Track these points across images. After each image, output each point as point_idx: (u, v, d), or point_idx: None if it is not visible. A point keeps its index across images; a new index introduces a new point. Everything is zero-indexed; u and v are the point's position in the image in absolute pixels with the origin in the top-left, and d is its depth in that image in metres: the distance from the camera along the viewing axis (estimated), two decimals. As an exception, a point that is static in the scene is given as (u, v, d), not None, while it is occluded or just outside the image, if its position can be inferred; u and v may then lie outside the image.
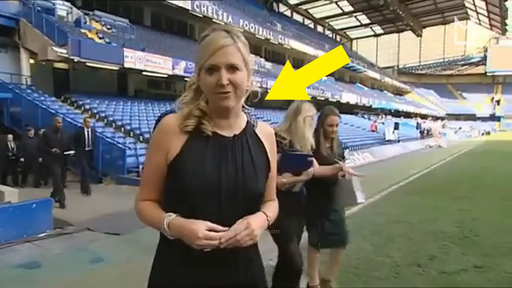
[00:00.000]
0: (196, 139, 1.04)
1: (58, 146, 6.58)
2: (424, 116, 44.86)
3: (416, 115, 43.34)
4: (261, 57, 26.23)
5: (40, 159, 8.35)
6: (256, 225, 1.01)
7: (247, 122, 1.12)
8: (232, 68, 0.99)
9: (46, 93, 12.40)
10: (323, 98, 27.26)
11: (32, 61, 13.29)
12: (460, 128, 42.10)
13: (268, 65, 25.84)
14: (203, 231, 0.95)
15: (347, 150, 16.13)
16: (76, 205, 6.06)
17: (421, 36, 54.08)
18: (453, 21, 49.45)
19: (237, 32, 1.03)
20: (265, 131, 1.16)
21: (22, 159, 8.75)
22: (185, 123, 1.03)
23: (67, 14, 14.82)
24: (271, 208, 1.16)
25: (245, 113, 1.14)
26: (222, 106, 1.01)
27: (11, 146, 8.81)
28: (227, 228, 0.98)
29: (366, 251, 4.03)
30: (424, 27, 52.80)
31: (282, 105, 27.35)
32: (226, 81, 0.98)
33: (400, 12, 43.09)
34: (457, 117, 50.63)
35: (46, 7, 13.81)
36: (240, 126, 1.10)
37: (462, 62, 56.25)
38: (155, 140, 1.08)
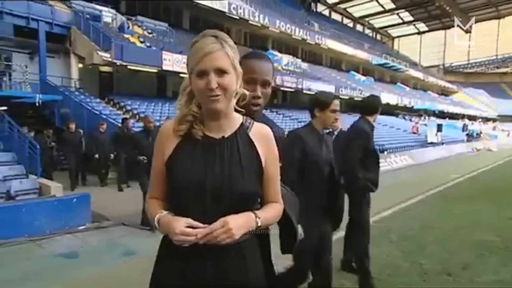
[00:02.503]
0: (187, 141, 1.12)
1: (148, 153, 5.23)
2: (472, 118, 42.05)
3: (463, 116, 40.76)
4: (297, 57, 26.04)
5: (112, 155, 8.32)
6: (235, 224, 1.03)
7: (241, 124, 1.16)
8: (220, 71, 1.04)
9: (92, 95, 13.25)
10: (361, 99, 26.52)
11: (80, 65, 14.25)
12: (513, 130, 38.95)
13: (304, 65, 25.60)
14: (180, 227, 1.02)
15: (385, 152, 15.58)
16: (113, 201, 6.41)
17: (470, 32, 50.73)
18: (508, 15, 45.87)
19: (225, 37, 1.09)
20: (261, 133, 1.17)
21: (96, 155, 8.33)
22: (177, 127, 1.12)
23: (112, 20, 15.71)
24: (268, 210, 1.17)
25: (243, 115, 1.17)
26: (212, 109, 1.07)
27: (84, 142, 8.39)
28: (206, 226, 1.03)
29: (393, 257, 3.91)
30: (474, 22, 49.49)
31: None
32: (215, 84, 1.03)
33: (447, 8, 40.80)
34: (510, 118, 46.87)
35: (94, 15, 14.77)
36: (232, 128, 1.14)
37: (518, 59, 51.98)
38: (156, 144, 1.18)
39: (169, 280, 1.13)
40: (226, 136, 1.12)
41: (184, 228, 1.02)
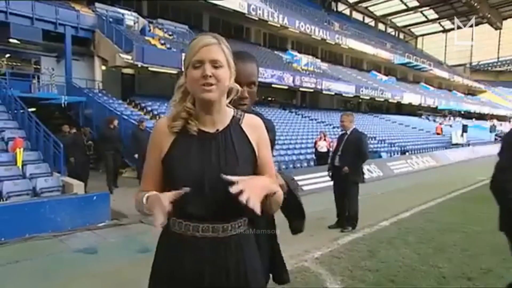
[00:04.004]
0: (183, 137, 1.15)
1: None
2: (502, 118, 40.36)
3: (492, 116, 39.18)
4: (317, 57, 25.84)
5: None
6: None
7: (233, 117, 1.20)
8: (216, 64, 1.09)
9: (114, 96, 13.63)
10: (382, 99, 26.01)
11: (103, 67, 14.71)
12: (547, 131, 37.01)
13: (324, 65, 25.36)
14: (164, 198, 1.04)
15: (407, 153, 15.22)
16: (132, 199, 6.56)
17: (500, 28, 48.68)
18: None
19: (222, 38, 1.15)
20: (252, 123, 1.21)
21: (136, 155, 8.08)
22: (172, 124, 1.15)
23: (134, 23, 16.15)
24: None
25: (233, 109, 1.21)
26: (205, 98, 1.10)
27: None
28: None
29: (409, 259, 3.81)
30: (504, 19, 47.43)
31: (338, 106, 26.67)
32: (210, 72, 1.08)
33: (475, 4, 39.25)
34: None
35: (117, 18, 15.24)
36: (224, 122, 1.18)
37: (552, 56, 49.32)
38: (150, 140, 1.21)
39: (169, 272, 1.15)
40: (220, 129, 1.16)
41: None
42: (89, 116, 11.86)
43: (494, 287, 3.20)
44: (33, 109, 11.60)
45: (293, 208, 1.51)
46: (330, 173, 5.31)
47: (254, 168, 1.18)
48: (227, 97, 1.17)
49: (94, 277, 3.56)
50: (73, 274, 3.64)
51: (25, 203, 5.09)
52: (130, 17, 16.01)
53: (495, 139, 25.84)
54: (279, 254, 1.58)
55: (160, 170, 1.17)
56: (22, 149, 6.46)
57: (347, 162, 4.93)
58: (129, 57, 12.54)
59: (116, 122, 8.16)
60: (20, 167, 6.28)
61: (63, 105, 12.11)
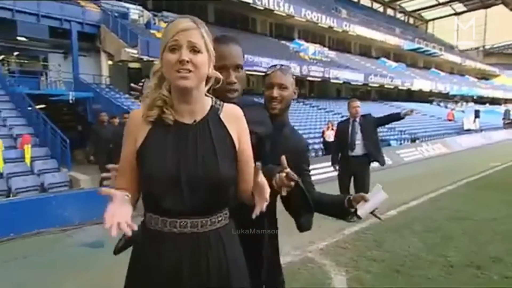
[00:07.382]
0: (159, 128, 1.08)
1: None
2: (517, 102, 39.36)
3: (506, 101, 38.23)
4: (324, 46, 25.46)
5: None
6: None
7: (211, 107, 1.12)
8: (194, 49, 1.02)
9: (122, 91, 13.69)
10: (392, 86, 25.55)
11: (110, 62, 14.76)
12: None
13: (332, 54, 24.98)
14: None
15: (417, 141, 14.97)
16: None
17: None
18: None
19: (201, 21, 1.07)
20: (232, 113, 1.13)
21: None
22: (147, 113, 1.08)
23: (139, 17, 16.12)
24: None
25: (211, 98, 1.14)
26: (181, 85, 1.02)
27: None
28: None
29: (415, 249, 3.74)
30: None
31: (346, 95, 26.30)
32: (187, 57, 1.00)
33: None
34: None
35: (122, 12, 15.24)
36: (202, 112, 1.10)
37: None
38: (125, 132, 1.13)
39: (146, 269, 1.10)
40: (197, 120, 1.09)
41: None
42: (97, 112, 11.94)
43: (503, 275, 3.12)
44: (43, 106, 11.75)
45: (302, 204, 1.41)
46: (337, 166, 5.15)
47: (234, 162, 1.11)
48: (205, 85, 1.10)
49: (101, 271, 3.59)
50: (80, 268, 3.67)
51: (33, 199, 5.18)
52: (135, 11, 15.99)
53: (504, 124, 24.86)
54: (277, 256, 1.54)
55: (134, 164, 1.09)
56: (30, 146, 6.56)
57: (373, 147, 4.82)
58: (135, 51, 12.54)
59: (106, 119, 7.15)
60: (29, 163, 6.38)
61: (70, 101, 12.22)
